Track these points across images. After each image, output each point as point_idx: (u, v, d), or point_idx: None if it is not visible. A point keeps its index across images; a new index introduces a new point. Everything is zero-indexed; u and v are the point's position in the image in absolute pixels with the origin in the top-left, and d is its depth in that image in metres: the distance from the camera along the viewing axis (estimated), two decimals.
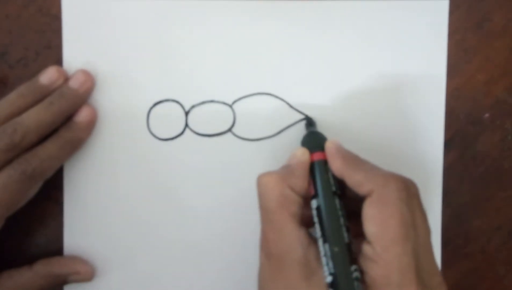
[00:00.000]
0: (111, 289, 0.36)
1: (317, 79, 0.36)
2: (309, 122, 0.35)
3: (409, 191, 0.28)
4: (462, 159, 0.37)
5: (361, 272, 0.28)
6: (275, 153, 0.35)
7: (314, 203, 0.30)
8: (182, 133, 0.36)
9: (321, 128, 0.36)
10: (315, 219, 0.29)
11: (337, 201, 0.29)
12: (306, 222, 0.30)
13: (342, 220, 0.29)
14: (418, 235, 0.28)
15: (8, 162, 0.31)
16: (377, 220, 0.27)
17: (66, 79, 0.34)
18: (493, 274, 0.37)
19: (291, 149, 0.36)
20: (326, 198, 0.29)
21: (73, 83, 0.34)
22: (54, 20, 0.35)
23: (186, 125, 0.36)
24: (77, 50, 0.35)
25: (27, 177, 0.31)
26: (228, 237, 0.36)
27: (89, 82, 0.34)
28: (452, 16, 0.36)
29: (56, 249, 0.36)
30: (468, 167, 0.37)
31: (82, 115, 0.34)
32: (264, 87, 0.36)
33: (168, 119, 0.35)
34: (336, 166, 0.30)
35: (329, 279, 0.27)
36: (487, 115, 0.37)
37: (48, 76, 0.33)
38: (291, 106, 0.36)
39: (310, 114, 0.36)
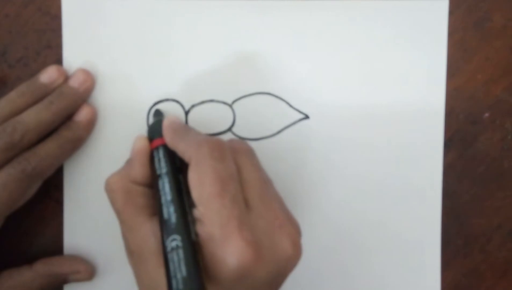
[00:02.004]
0: (111, 288, 0.36)
1: (316, 79, 0.36)
2: (156, 113, 0.34)
3: (222, 150, 0.29)
4: (462, 158, 0.37)
5: (196, 235, 0.28)
6: (275, 152, 0.35)
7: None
8: None
9: (320, 127, 0.36)
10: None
11: (166, 181, 0.29)
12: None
13: (170, 196, 0.29)
14: (246, 187, 0.29)
15: (8, 161, 0.31)
16: (196, 183, 0.28)
17: (66, 78, 0.34)
18: (493, 274, 0.37)
19: (291, 148, 0.36)
20: (159, 180, 0.29)
21: (73, 82, 0.34)
22: (54, 20, 0.35)
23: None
24: (77, 49, 0.35)
25: (26, 176, 0.31)
26: None
27: (89, 81, 0.34)
28: (452, 16, 0.36)
29: (56, 249, 0.36)
30: (468, 166, 0.37)
31: (82, 115, 0.34)
32: (264, 87, 0.36)
33: None
34: (167, 139, 0.31)
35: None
36: (487, 114, 0.37)
37: (48, 75, 0.33)
38: (291, 106, 0.36)
39: (310, 113, 0.36)
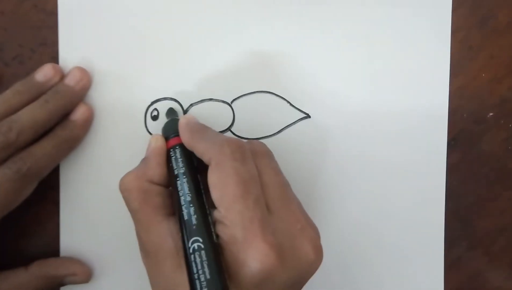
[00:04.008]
0: None
1: (318, 78, 0.35)
2: (170, 111, 0.34)
3: (243, 151, 0.29)
4: (466, 158, 0.36)
5: (217, 237, 0.28)
6: (275, 152, 0.35)
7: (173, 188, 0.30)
8: None
9: (320, 126, 0.35)
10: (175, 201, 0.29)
11: (185, 181, 0.29)
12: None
13: (190, 197, 0.28)
14: (266, 190, 0.28)
15: (3, 161, 0.31)
16: (217, 184, 0.28)
17: (62, 76, 0.34)
18: (497, 276, 0.37)
19: (291, 147, 0.35)
20: (177, 180, 0.29)
21: (69, 81, 0.33)
22: (49, 17, 0.35)
23: None
24: (73, 47, 0.35)
25: (22, 176, 0.30)
26: None
27: (85, 79, 0.34)
28: (456, 13, 0.36)
29: (52, 250, 0.35)
30: (472, 167, 0.36)
31: (78, 114, 0.33)
32: (264, 85, 0.35)
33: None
34: (185, 139, 0.30)
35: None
36: (491, 114, 0.36)
37: (43, 73, 0.33)
38: (291, 105, 0.35)
39: (310, 112, 0.35)
